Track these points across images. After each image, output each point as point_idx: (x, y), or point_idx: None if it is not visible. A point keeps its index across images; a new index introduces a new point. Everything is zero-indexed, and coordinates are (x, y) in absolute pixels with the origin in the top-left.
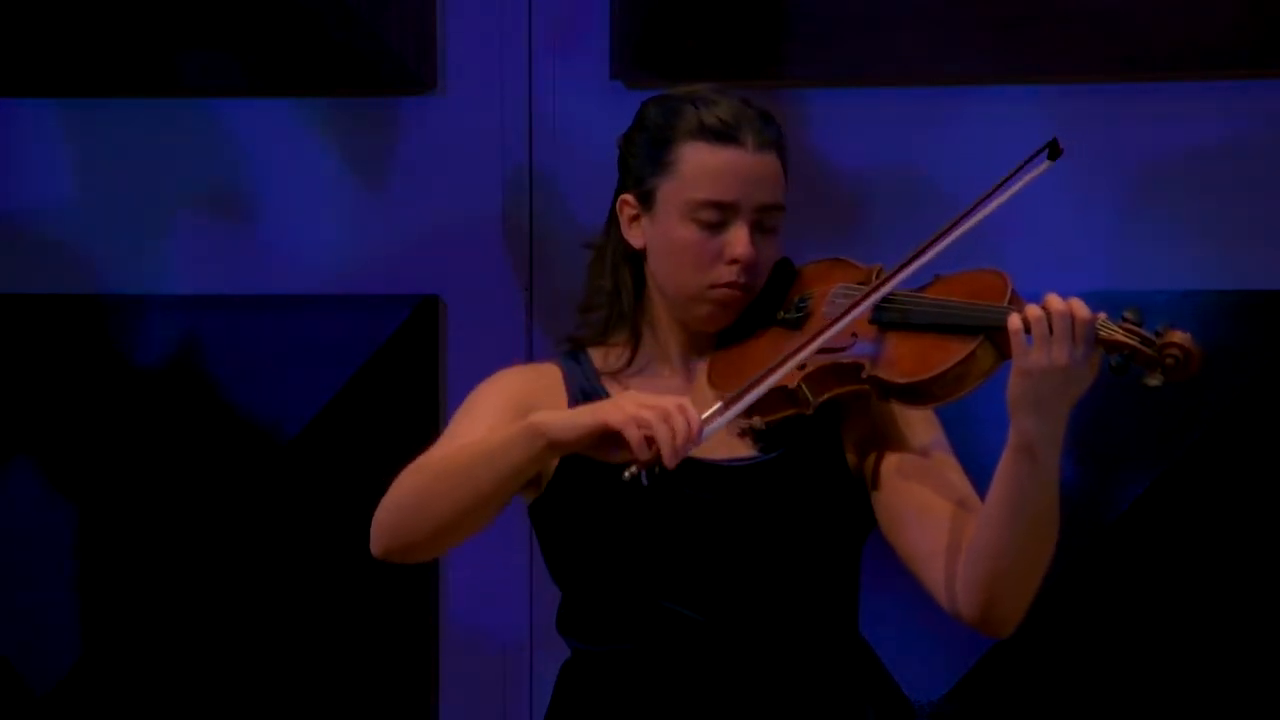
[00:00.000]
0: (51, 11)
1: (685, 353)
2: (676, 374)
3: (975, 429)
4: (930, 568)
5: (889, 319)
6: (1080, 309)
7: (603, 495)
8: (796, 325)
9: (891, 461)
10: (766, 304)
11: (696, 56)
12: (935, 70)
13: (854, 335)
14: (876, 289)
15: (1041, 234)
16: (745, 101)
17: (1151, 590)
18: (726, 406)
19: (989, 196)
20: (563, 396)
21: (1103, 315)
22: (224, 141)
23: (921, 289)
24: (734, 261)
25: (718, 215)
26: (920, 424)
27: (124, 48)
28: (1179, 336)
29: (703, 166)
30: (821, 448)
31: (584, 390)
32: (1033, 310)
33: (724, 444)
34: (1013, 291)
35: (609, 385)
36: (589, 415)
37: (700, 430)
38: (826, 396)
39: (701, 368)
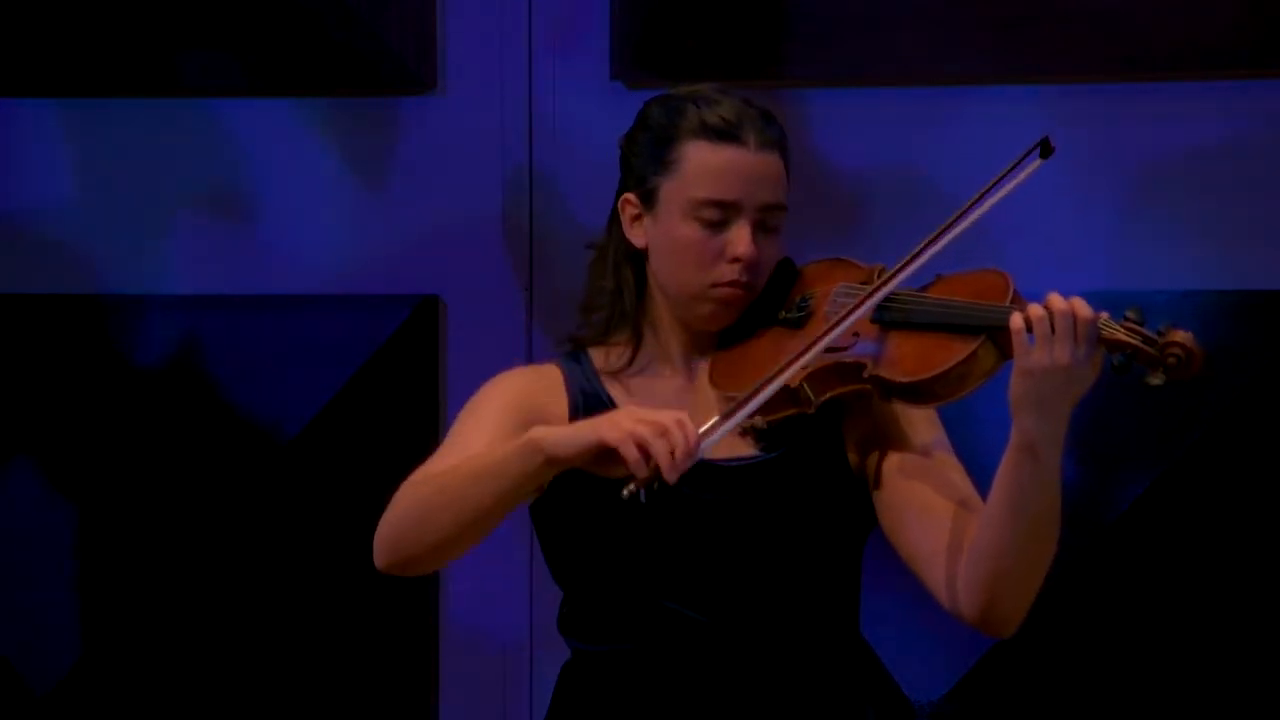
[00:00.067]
0: (51, 11)
1: (687, 352)
2: (678, 374)
3: (976, 429)
4: (931, 567)
5: (891, 318)
6: (1082, 308)
7: (604, 495)
8: (798, 325)
9: (893, 461)
10: (768, 303)
11: (696, 56)
12: (935, 70)
13: (856, 335)
14: (875, 292)
15: (1041, 234)
16: (747, 101)
17: (1151, 590)
18: (724, 419)
19: (983, 196)
20: (563, 397)
21: (1105, 314)
22: (224, 141)
23: (923, 289)
24: (736, 260)
25: (720, 214)
26: (922, 423)
27: (124, 48)
28: (1181, 336)
29: (705, 165)
30: (823, 447)
31: (584, 391)
32: (1035, 309)
33: (725, 443)
34: (1014, 291)
35: (609, 385)
36: (587, 432)
37: (698, 444)
38: (828, 396)
39: (703, 367)
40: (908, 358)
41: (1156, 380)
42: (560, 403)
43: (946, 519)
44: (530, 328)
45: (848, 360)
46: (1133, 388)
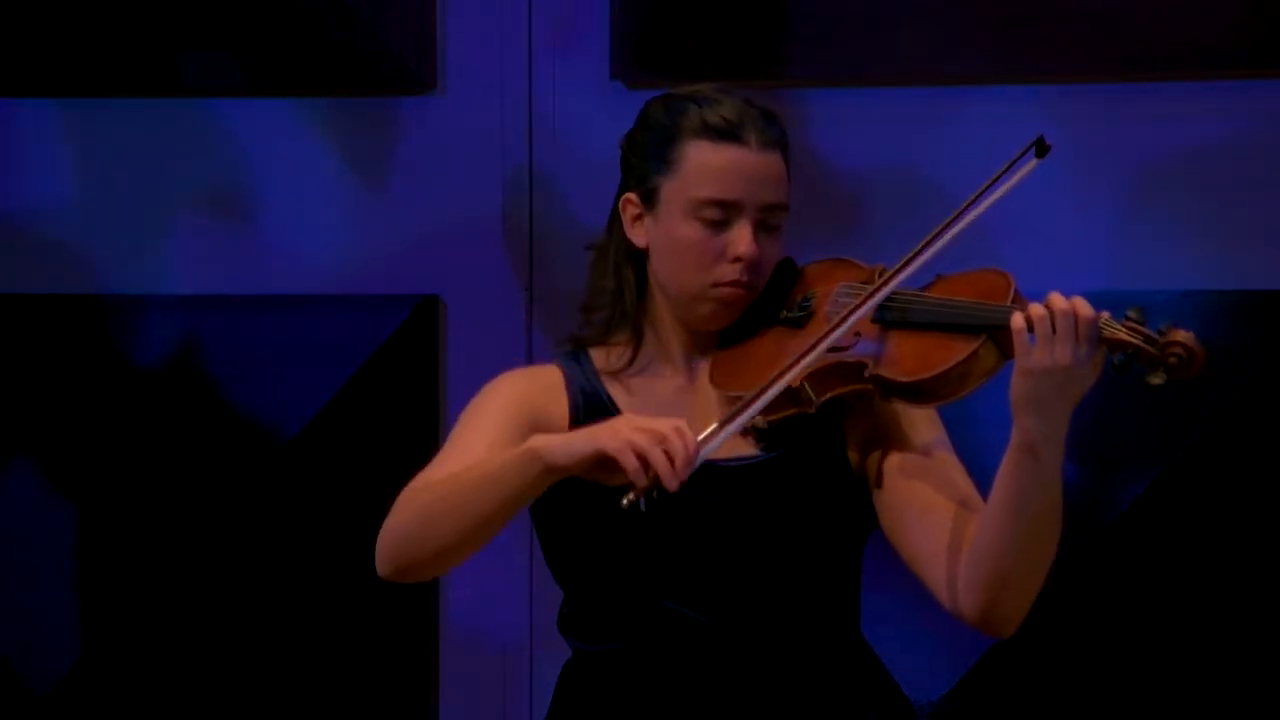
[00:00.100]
0: (51, 11)
1: (687, 352)
2: (679, 373)
3: (976, 429)
4: (932, 567)
5: (892, 318)
6: (1083, 308)
7: (604, 496)
8: (799, 324)
9: (894, 461)
10: (769, 303)
11: (696, 56)
12: (935, 70)
13: (857, 334)
14: (873, 294)
15: (1041, 234)
16: (748, 101)
17: (1151, 590)
18: (724, 424)
19: (980, 196)
20: (563, 398)
21: (1106, 314)
22: (224, 141)
23: (924, 288)
24: (737, 260)
25: (721, 213)
26: (922, 423)
27: (124, 48)
28: (1182, 335)
29: (706, 165)
30: (823, 447)
31: (584, 391)
32: (1036, 309)
33: (725, 443)
34: (1015, 291)
35: (610, 385)
36: (585, 442)
37: (697, 451)
38: (829, 396)
39: (704, 367)
40: (909, 357)
41: (1158, 380)
42: (560, 403)
43: (947, 519)
44: (530, 328)
45: (849, 360)
46: (1133, 388)
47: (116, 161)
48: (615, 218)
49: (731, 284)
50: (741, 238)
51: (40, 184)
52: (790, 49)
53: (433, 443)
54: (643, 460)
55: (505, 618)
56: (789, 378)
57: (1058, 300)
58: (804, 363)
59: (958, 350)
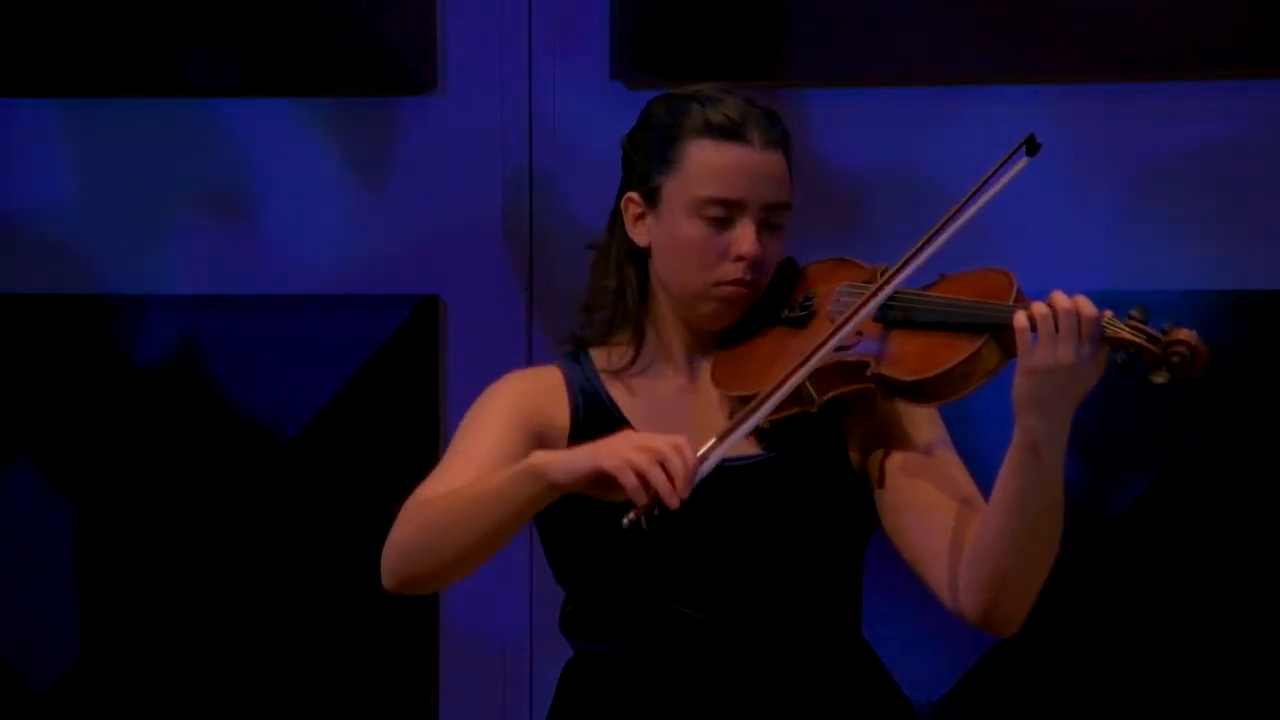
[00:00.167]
0: (51, 11)
1: (689, 352)
2: (680, 373)
3: (977, 428)
4: (933, 567)
5: (894, 317)
6: (1086, 306)
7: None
8: (801, 324)
9: (895, 460)
10: (771, 303)
11: (696, 56)
12: (935, 70)
13: (859, 334)
14: (873, 296)
15: (1041, 234)
16: (751, 100)
17: (1151, 590)
18: (723, 439)
19: (973, 195)
20: (564, 399)
21: (1109, 313)
22: (224, 141)
23: (927, 288)
24: (740, 259)
25: (724, 212)
26: (924, 423)
27: (124, 48)
28: (1185, 334)
29: (709, 164)
30: (824, 446)
31: (585, 391)
32: (1039, 308)
33: None
34: (1018, 290)
35: (610, 385)
36: (586, 460)
37: (696, 468)
38: (831, 395)
39: (705, 367)
40: (911, 356)
41: (1160, 379)
42: (561, 404)
43: (948, 519)
44: (530, 328)
45: (851, 359)
46: (1133, 387)
47: (116, 161)
48: (617, 217)
49: (734, 283)
50: (744, 237)
51: (40, 184)
52: (790, 49)
53: (433, 443)
54: (643, 479)
55: (505, 618)
56: (786, 389)
57: (1061, 299)
58: (800, 373)
59: (960, 349)
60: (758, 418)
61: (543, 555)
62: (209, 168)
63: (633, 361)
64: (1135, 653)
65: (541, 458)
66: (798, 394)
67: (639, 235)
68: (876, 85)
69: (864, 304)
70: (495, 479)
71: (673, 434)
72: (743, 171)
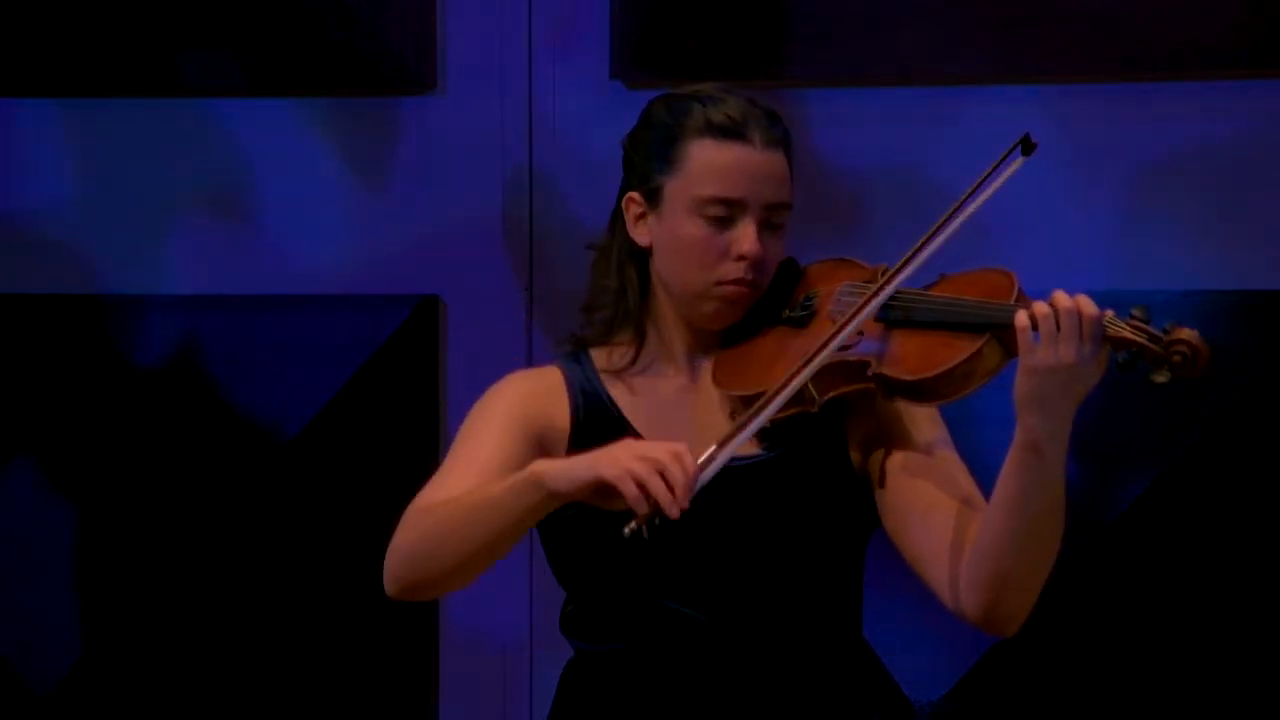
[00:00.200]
0: (51, 11)
1: (690, 351)
2: (681, 373)
3: (978, 428)
4: (934, 567)
5: (895, 317)
6: (1088, 306)
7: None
8: (802, 324)
9: (896, 460)
10: (772, 302)
11: (696, 56)
12: (935, 70)
13: (860, 333)
14: (873, 298)
15: (1041, 234)
16: (752, 100)
17: (1151, 590)
18: (721, 447)
19: (970, 195)
20: (565, 400)
21: (1110, 312)
22: (224, 141)
23: (928, 287)
24: (741, 258)
25: (725, 211)
26: (925, 422)
27: (124, 48)
28: (1187, 334)
29: (711, 163)
30: (825, 446)
31: (585, 392)
32: (1040, 307)
33: None
34: (1019, 290)
35: (611, 385)
36: (586, 469)
37: (697, 476)
38: (832, 395)
39: (706, 366)
40: (912, 356)
41: (1162, 378)
42: (562, 405)
43: (949, 518)
44: (530, 328)
45: (852, 359)
46: (1133, 387)
47: (116, 161)
48: (617, 217)
49: (735, 282)
50: (746, 236)
51: (40, 184)
52: (790, 49)
53: (433, 443)
54: (643, 488)
55: (505, 618)
56: (785, 395)
57: (1062, 298)
58: (799, 379)
59: (961, 349)
60: (758, 423)
61: (543, 556)
62: (209, 168)
63: (633, 361)
64: (1135, 653)
65: (542, 467)
66: (799, 394)
67: (640, 235)
68: (876, 85)
69: (859, 310)
70: (495, 487)
71: (674, 434)
72: (744, 171)
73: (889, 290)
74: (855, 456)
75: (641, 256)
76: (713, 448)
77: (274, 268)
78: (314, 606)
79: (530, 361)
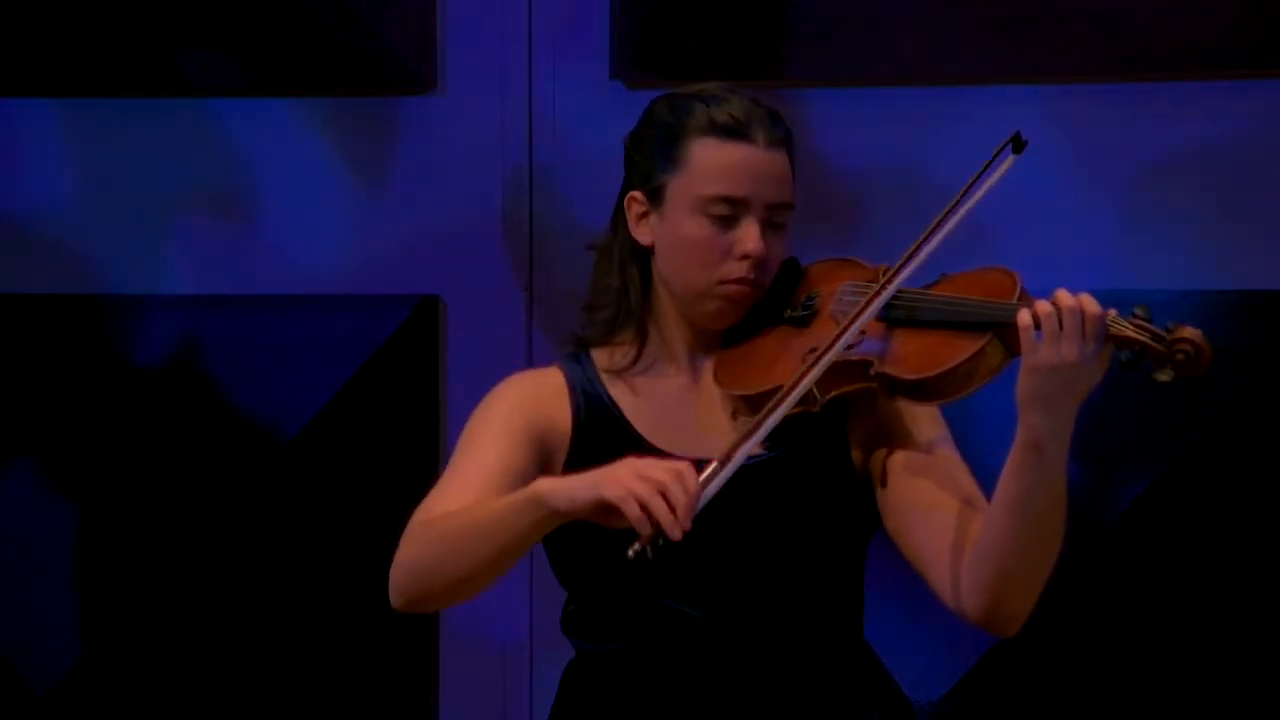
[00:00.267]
0: (51, 11)
1: (691, 351)
2: (682, 372)
3: (979, 427)
4: (936, 566)
5: (897, 316)
6: (1090, 305)
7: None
8: (804, 323)
9: (898, 459)
10: (774, 302)
11: (696, 56)
12: (935, 70)
13: (862, 333)
14: (873, 298)
15: (1041, 234)
16: (754, 100)
17: (1151, 590)
18: (723, 464)
19: (963, 195)
20: (566, 401)
21: (1113, 311)
22: (224, 141)
23: (929, 287)
24: (744, 257)
25: (728, 210)
26: (926, 422)
27: (124, 48)
28: (1189, 332)
29: (714, 162)
30: (826, 446)
31: (586, 392)
32: (1043, 306)
33: (726, 442)
34: (1022, 289)
35: (612, 385)
36: (589, 488)
37: (699, 495)
38: (834, 394)
39: (707, 366)
40: (914, 355)
41: (1165, 377)
42: (563, 407)
43: (950, 518)
44: (530, 328)
45: (854, 358)
46: (1133, 387)
47: (116, 161)
48: (619, 216)
49: (738, 281)
50: (748, 235)
51: (40, 184)
52: (790, 49)
53: (433, 443)
54: (645, 509)
55: (505, 618)
56: (785, 407)
57: (1065, 297)
58: (800, 387)
59: (964, 348)
60: (760, 435)
61: (543, 556)
62: (209, 168)
63: (635, 361)
64: (1135, 653)
65: (544, 486)
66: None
67: (642, 234)
68: (876, 85)
69: (859, 313)
70: (498, 504)
71: (675, 434)
72: (747, 170)
73: (888, 293)
74: (857, 456)
75: (643, 256)
76: (714, 464)
77: (274, 268)
78: (314, 606)
79: (530, 362)
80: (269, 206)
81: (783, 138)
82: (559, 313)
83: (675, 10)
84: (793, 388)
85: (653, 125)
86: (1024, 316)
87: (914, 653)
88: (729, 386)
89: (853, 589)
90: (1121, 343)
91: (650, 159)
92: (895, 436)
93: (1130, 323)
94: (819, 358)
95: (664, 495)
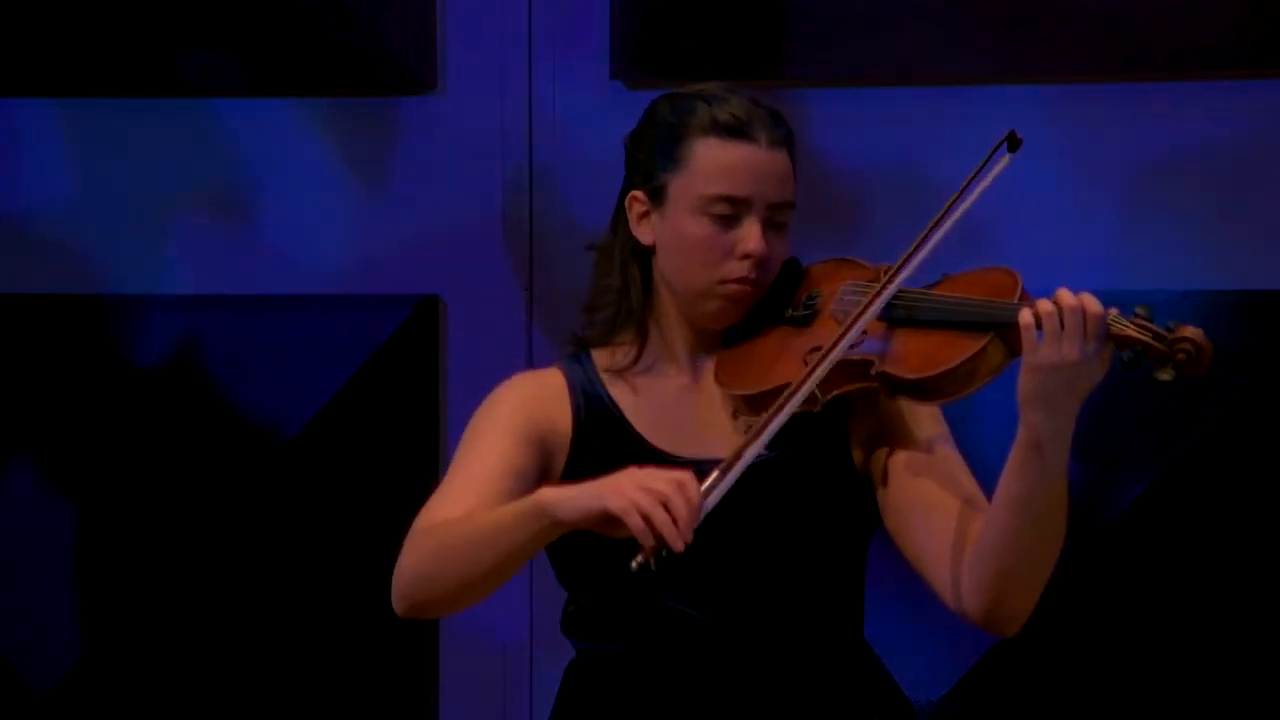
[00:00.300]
0: (51, 11)
1: (692, 351)
2: (683, 372)
3: (979, 427)
4: (936, 566)
5: (898, 316)
6: (1092, 304)
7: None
8: (804, 323)
9: (898, 459)
10: (775, 302)
11: (696, 56)
12: (935, 70)
13: (864, 333)
14: (874, 299)
15: (1041, 234)
16: (756, 100)
17: (1151, 590)
18: (724, 473)
19: (961, 195)
20: (566, 401)
21: (1114, 310)
22: (224, 141)
23: (931, 286)
24: (746, 257)
25: (730, 210)
26: (926, 421)
27: (124, 48)
28: (1191, 332)
29: (716, 161)
30: (826, 446)
31: (586, 393)
32: (1044, 305)
33: (727, 441)
34: (1023, 289)
35: (612, 386)
36: (591, 499)
37: (701, 504)
38: (835, 394)
39: (708, 366)
40: (915, 354)
41: (1166, 376)
42: (564, 408)
43: (951, 518)
44: (530, 328)
45: (856, 358)
46: (1132, 386)
47: (116, 161)
48: (620, 216)
49: (739, 281)
50: (750, 235)
51: (40, 184)
52: (790, 49)
53: (433, 443)
54: (648, 521)
55: (505, 618)
56: (785, 413)
57: (1066, 296)
58: (800, 393)
59: (965, 347)
60: (761, 441)
61: (543, 556)
62: (209, 168)
63: (635, 361)
64: (1135, 653)
65: (548, 496)
66: None
67: (643, 234)
68: (876, 85)
69: (862, 313)
70: (501, 513)
71: (676, 434)
72: (749, 170)
73: (890, 293)
74: (857, 456)
75: (644, 255)
76: (715, 473)
77: (274, 268)
78: (314, 606)
79: (530, 362)
80: (269, 206)
81: (784, 137)
82: (559, 313)
83: (675, 10)
84: (795, 390)
85: (654, 125)
86: (1025, 316)
87: (914, 653)
88: (730, 386)
89: (853, 589)
90: (1123, 342)
91: (652, 158)
92: (896, 436)
93: (1132, 322)
94: (821, 360)
95: (666, 506)
